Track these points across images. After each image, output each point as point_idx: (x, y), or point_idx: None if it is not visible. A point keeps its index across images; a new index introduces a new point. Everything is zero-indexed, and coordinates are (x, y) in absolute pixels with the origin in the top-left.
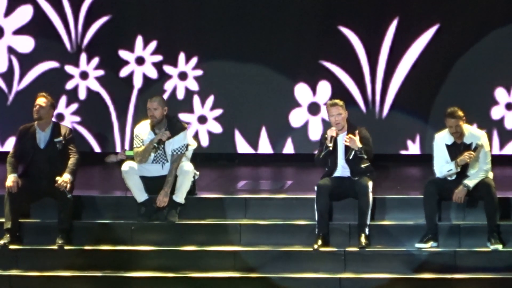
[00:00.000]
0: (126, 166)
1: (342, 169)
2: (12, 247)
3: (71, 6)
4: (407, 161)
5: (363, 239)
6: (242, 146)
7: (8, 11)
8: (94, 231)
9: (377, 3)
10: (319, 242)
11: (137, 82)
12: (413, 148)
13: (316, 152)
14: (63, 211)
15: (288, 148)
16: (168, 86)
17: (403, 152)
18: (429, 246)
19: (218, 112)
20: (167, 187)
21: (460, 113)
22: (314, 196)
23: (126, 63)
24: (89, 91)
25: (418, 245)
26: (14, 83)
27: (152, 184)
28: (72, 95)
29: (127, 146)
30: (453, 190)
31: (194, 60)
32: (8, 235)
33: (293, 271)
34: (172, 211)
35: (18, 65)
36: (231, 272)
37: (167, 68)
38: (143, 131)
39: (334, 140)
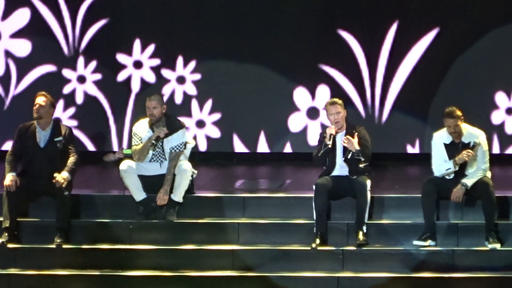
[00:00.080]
0: (124, 165)
1: (340, 168)
2: (10, 246)
3: (68, 10)
4: (405, 160)
5: (361, 236)
6: (240, 150)
7: (5, 15)
8: (93, 230)
9: (377, 7)
10: (317, 241)
11: (135, 86)
12: (412, 151)
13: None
14: (61, 210)
15: (287, 151)
16: (166, 90)
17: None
18: (427, 244)
19: (217, 116)
20: (166, 185)
21: (459, 113)
22: (312, 195)
23: (124, 67)
24: (87, 95)
25: (416, 242)
26: (11, 87)
27: (150, 183)
28: (70, 99)
29: (125, 145)
30: (451, 189)
31: (192, 64)
32: (6, 234)
33: (291, 270)
34: (171, 210)
35: (15, 69)
36: (230, 271)
37: (165, 72)
38: (142, 129)
39: (333, 139)
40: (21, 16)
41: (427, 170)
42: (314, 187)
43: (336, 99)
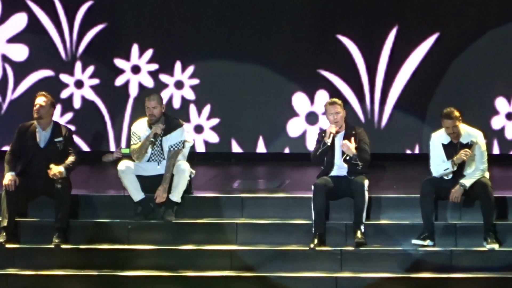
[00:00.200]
0: (122, 165)
1: (338, 169)
2: (8, 245)
3: (66, 14)
4: (404, 160)
5: (359, 235)
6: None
7: (2, 19)
8: (91, 230)
9: (376, 11)
10: (316, 241)
11: (133, 91)
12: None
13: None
14: (60, 210)
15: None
16: (164, 95)
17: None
18: (426, 243)
19: (215, 121)
20: (165, 183)
21: (457, 114)
22: (310, 195)
23: (121, 71)
24: (84, 100)
25: (414, 241)
26: (8, 91)
27: (149, 183)
28: (67, 104)
29: (123, 144)
30: (449, 189)
31: (190, 69)
32: (4, 234)
33: (290, 270)
34: (169, 210)
35: (12, 73)
36: (228, 271)
37: (163, 77)
38: (140, 128)
39: (332, 138)
40: (18, 21)
41: (426, 171)
42: (312, 187)
43: (335, 99)
